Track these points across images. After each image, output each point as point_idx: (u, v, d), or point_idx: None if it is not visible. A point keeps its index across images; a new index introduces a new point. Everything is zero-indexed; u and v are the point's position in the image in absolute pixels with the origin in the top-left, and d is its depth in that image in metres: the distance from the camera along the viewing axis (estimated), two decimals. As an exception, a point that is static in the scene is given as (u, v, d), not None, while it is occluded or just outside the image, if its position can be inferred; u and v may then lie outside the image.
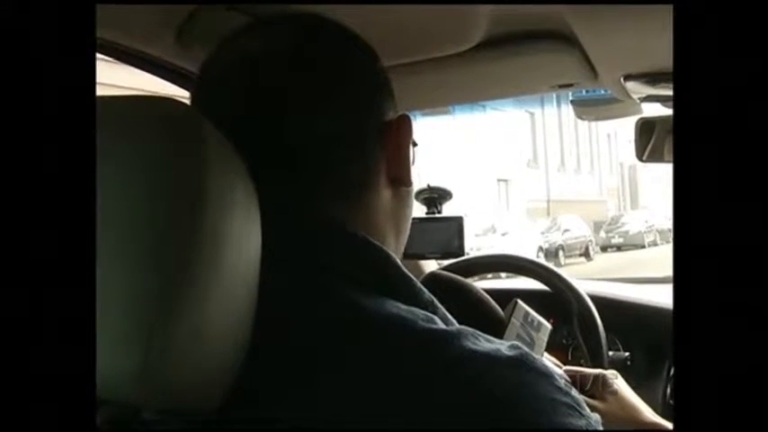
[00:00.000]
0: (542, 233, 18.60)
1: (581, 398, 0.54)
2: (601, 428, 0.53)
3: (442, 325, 0.54)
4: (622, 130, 23.95)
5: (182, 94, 0.97)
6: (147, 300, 0.44)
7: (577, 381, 0.96)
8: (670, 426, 0.93)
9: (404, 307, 0.55)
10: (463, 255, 1.54)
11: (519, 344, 0.55)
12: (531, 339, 0.85)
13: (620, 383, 0.96)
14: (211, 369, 0.49)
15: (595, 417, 0.54)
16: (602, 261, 18.38)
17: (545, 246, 17.77)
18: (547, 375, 0.53)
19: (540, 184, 24.99)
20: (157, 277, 0.45)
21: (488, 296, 0.90)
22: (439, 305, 0.59)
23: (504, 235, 16.82)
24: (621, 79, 1.16)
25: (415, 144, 0.67)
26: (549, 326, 0.88)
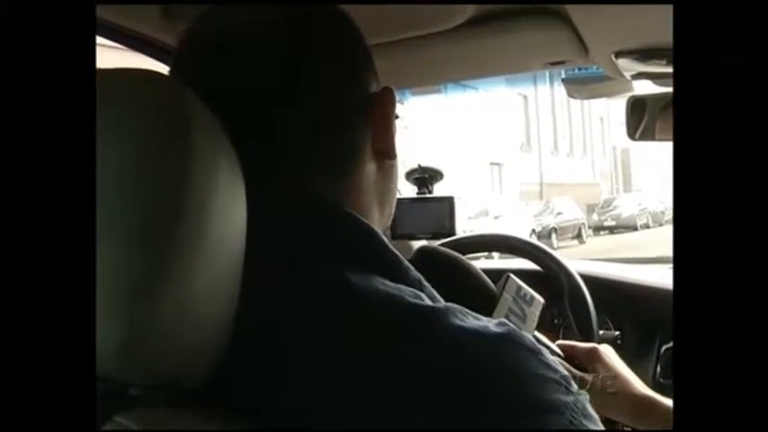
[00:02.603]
0: (535, 216, 18.64)
1: (569, 374, 0.54)
2: (588, 405, 0.53)
3: (429, 302, 0.54)
4: (615, 113, 23.97)
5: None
6: (129, 275, 0.44)
7: (571, 355, 0.96)
8: (659, 397, 0.93)
9: (391, 284, 0.55)
10: (454, 235, 1.54)
11: (506, 321, 0.55)
12: (524, 314, 0.85)
13: (611, 356, 0.96)
14: (196, 344, 0.48)
15: (584, 393, 0.53)
16: (594, 243, 18.44)
17: (538, 228, 17.80)
18: (535, 352, 0.53)
19: (533, 167, 25.00)
20: (140, 252, 0.44)
21: (480, 270, 0.89)
22: (426, 283, 0.59)
23: (497, 218, 16.84)
24: (613, 56, 1.15)
25: (396, 116, 0.67)
26: (541, 300, 0.88)
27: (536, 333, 0.89)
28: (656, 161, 25.34)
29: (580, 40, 1.11)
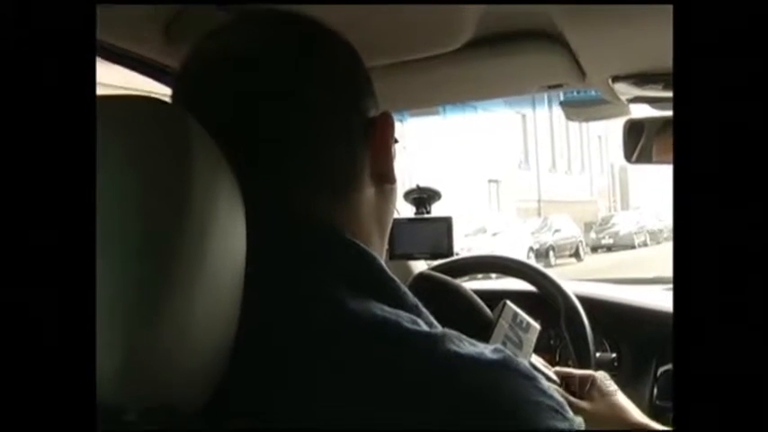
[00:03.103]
0: (533, 233, 18.63)
1: (564, 401, 0.54)
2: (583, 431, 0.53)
3: (426, 327, 0.54)
4: (613, 131, 24.03)
5: (169, 93, 0.96)
6: (130, 299, 0.44)
7: (567, 382, 0.96)
8: (658, 426, 0.93)
9: (389, 309, 0.55)
10: (452, 255, 1.55)
11: (502, 348, 0.55)
12: (520, 340, 0.85)
13: (609, 384, 0.97)
14: (195, 368, 0.48)
15: (578, 420, 0.54)
16: (592, 261, 18.43)
17: (535, 246, 17.79)
18: (530, 378, 0.53)
19: (531, 184, 25.04)
20: (141, 276, 0.44)
21: (477, 297, 0.90)
22: (423, 309, 0.59)
23: (494, 235, 16.84)
24: (609, 80, 1.16)
25: (395, 141, 0.67)
26: (537, 327, 0.88)
27: (533, 359, 0.89)
28: (654, 179, 25.38)
29: (578, 64, 1.12)
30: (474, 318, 0.86)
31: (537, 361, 0.92)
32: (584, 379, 0.96)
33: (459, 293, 0.89)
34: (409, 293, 0.59)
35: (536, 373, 0.54)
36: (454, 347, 0.52)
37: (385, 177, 0.65)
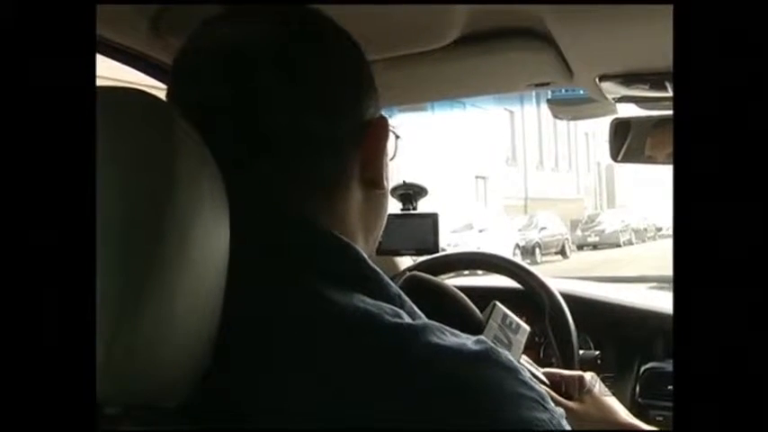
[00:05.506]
0: (519, 230, 18.67)
1: (545, 392, 0.54)
2: (564, 422, 0.54)
3: (408, 319, 0.55)
4: (600, 130, 24.12)
5: (154, 85, 0.96)
6: (111, 295, 0.44)
7: (558, 383, 0.97)
8: (645, 426, 0.94)
9: (371, 301, 0.55)
10: (438, 252, 1.55)
11: (485, 339, 0.55)
12: (509, 341, 0.85)
13: (597, 385, 0.97)
14: (177, 364, 0.48)
15: (559, 411, 0.54)
16: (578, 259, 18.52)
17: (522, 243, 17.84)
18: (511, 369, 0.53)
19: (519, 181, 25.12)
20: (123, 273, 0.44)
21: (467, 298, 0.90)
22: (406, 299, 0.59)
23: (481, 232, 16.86)
24: (597, 80, 1.17)
25: (397, 136, 0.66)
26: (527, 328, 0.88)
27: (523, 360, 0.89)
28: (640, 178, 25.53)
29: (565, 62, 1.12)
30: (465, 320, 0.86)
31: (526, 361, 0.93)
32: (574, 380, 0.97)
33: (450, 295, 0.89)
34: (391, 283, 0.59)
35: (517, 364, 0.55)
36: (435, 339, 0.52)
37: (375, 182, 0.64)
